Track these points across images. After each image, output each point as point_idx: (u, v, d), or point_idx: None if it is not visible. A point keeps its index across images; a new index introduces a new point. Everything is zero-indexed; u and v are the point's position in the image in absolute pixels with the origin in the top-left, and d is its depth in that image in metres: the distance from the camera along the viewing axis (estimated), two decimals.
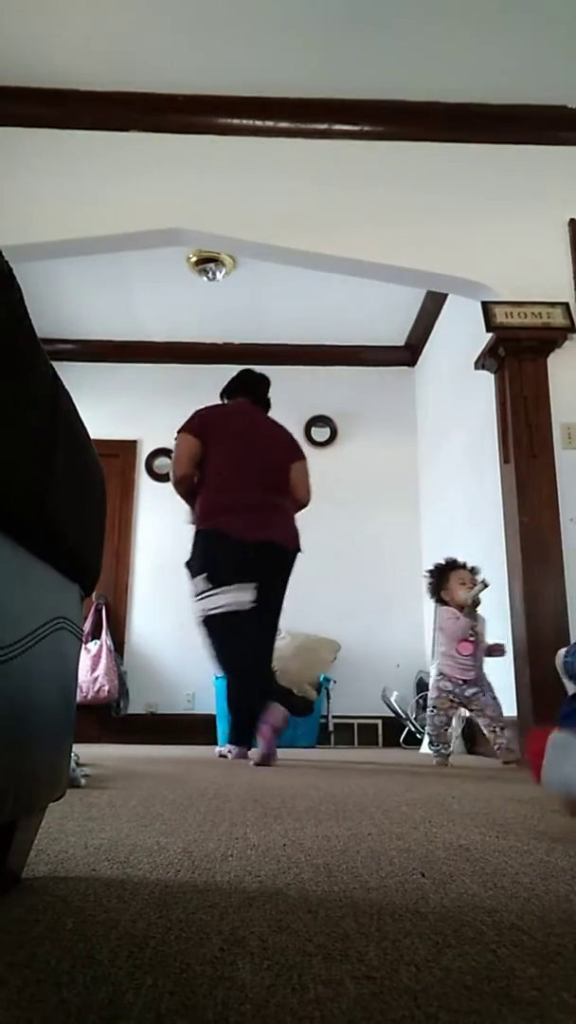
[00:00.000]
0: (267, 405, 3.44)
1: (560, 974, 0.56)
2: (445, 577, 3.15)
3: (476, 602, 3.10)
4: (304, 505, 3.27)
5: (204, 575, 2.95)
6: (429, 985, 0.53)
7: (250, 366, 5.56)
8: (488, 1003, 0.50)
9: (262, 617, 2.97)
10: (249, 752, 3.06)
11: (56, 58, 3.39)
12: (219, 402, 3.45)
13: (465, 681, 3.06)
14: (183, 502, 3.28)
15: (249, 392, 3.41)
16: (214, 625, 2.90)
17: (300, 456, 3.28)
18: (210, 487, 3.11)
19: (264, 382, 3.45)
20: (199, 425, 3.17)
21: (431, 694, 3.16)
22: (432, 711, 3.12)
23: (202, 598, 2.92)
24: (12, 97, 3.52)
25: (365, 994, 0.51)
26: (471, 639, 3.06)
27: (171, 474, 3.27)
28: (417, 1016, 0.48)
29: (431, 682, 3.20)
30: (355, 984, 0.53)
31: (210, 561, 3.00)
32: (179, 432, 3.22)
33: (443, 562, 3.22)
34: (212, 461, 3.13)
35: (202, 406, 3.32)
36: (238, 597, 2.88)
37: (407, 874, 0.89)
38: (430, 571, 3.26)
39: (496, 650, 3.11)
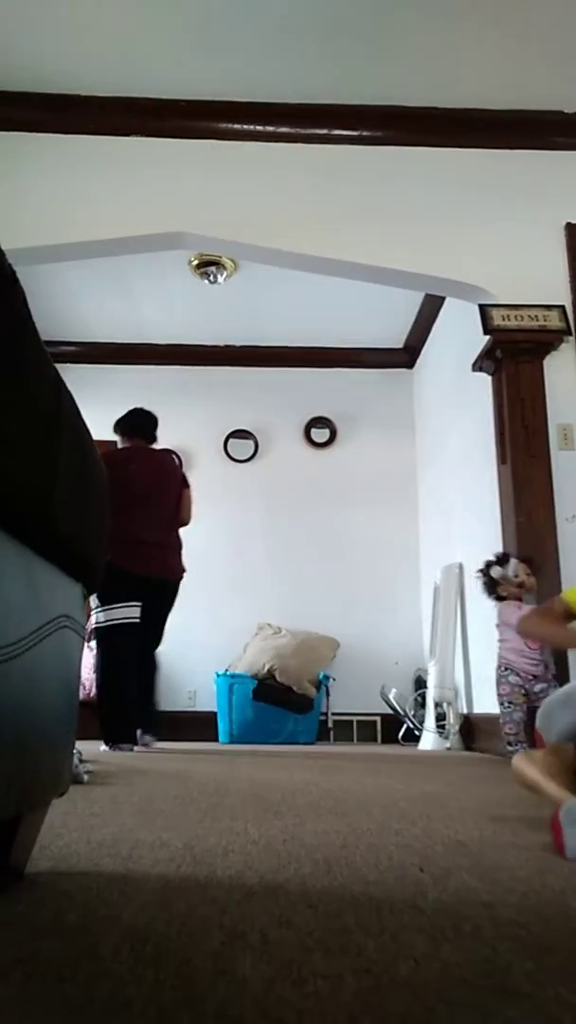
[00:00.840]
0: (155, 439, 3.80)
1: (556, 968, 0.56)
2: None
3: (530, 586, 3.03)
4: (186, 524, 3.76)
5: (96, 595, 3.40)
6: (427, 979, 0.53)
7: (247, 368, 5.70)
8: (485, 997, 0.50)
9: (148, 631, 3.51)
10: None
11: (59, 64, 3.39)
12: (123, 443, 3.75)
13: (534, 676, 2.97)
14: None
15: (141, 431, 3.75)
16: (102, 635, 3.43)
17: (187, 485, 3.81)
18: (112, 521, 3.40)
19: (154, 420, 3.80)
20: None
21: (501, 690, 3.03)
22: (508, 707, 2.99)
23: (95, 611, 3.43)
24: (16, 102, 3.52)
25: (364, 988, 0.51)
26: None
27: None
28: (415, 1009, 0.48)
29: (496, 675, 3.07)
30: (354, 978, 0.53)
31: (103, 586, 3.34)
32: None
33: (494, 558, 3.13)
34: (115, 499, 3.33)
35: (112, 449, 3.71)
36: (124, 614, 3.42)
37: (406, 869, 0.89)
38: (483, 570, 3.15)
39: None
